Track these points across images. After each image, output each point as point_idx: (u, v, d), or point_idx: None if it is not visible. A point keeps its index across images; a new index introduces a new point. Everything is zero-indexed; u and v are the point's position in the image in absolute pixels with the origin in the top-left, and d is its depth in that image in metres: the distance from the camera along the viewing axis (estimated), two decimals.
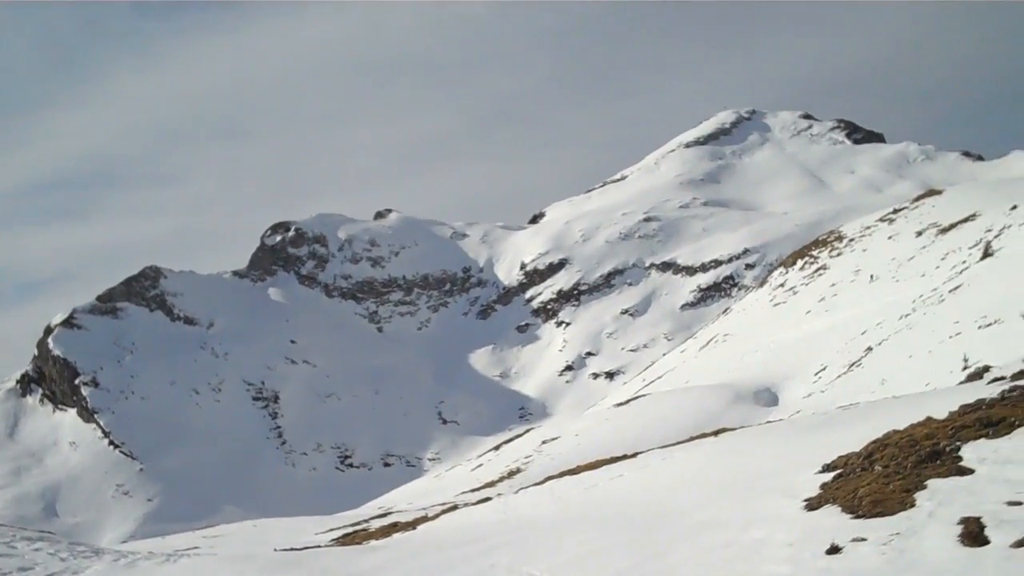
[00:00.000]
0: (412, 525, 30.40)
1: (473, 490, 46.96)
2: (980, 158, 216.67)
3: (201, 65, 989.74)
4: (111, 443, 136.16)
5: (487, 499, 33.93)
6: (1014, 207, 69.44)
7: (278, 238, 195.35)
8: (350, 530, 36.39)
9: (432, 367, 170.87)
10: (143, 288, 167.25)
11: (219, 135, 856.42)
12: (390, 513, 43.02)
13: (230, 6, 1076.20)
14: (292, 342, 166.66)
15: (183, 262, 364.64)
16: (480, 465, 61.77)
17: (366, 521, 39.54)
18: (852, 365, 53.11)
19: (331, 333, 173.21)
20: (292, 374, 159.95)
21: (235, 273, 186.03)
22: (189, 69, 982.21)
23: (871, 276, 76.55)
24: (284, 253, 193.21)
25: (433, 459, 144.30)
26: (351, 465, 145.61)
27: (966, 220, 76.43)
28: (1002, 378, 21.46)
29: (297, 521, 48.89)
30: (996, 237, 63.78)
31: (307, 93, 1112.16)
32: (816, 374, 56.79)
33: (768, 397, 56.54)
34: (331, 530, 38.06)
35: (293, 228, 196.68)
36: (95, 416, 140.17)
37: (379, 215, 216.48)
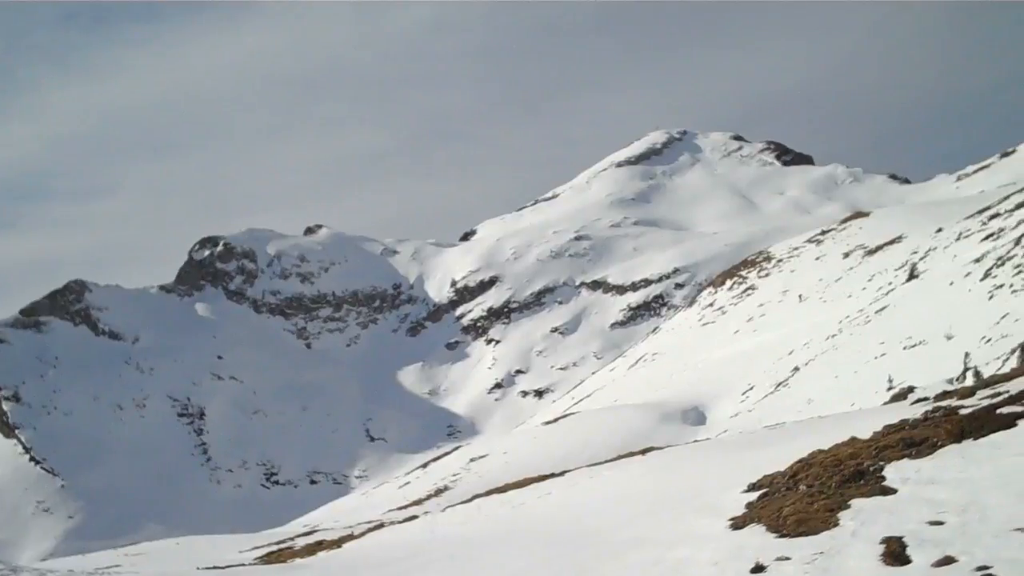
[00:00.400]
0: (338, 543, 30.12)
1: (400, 508, 46.71)
2: (907, 181, 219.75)
3: (129, 78, 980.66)
4: (32, 459, 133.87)
5: (414, 517, 33.74)
6: (939, 230, 70.35)
7: (206, 253, 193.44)
8: (275, 548, 36.00)
9: (361, 384, 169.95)
10: (68, 302, 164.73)
11: (148, 148, 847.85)
12: (316, 531, 42.63)
13: (159, 20, 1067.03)
14: (219, 358, 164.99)
15: (109, 276, 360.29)
16: (408, 483, 61.47)
17: (291, 539, 39.13)
18: (779, 385, 53.48)
19: (259, 349, 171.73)
20: (218, 390, 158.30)
21: (162, 288, 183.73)
22: (117, 82, 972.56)
23: (799, 296, 77.25)
24: (212, 268, 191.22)
25: (360, 476, 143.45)
26: (277, 482, 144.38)
27: (892, 242, 77.36)
28: (925, 399, 21.67)
29: (221, 539, 48.34)
30: (921, 259, 64.57)
31: (238, 107, 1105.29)
32: (743, 393, 57.13)
33: (696, 416, 56.80)
34: (255, 548, 37.62)
35: (222, 243, 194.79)
36: (16, 432, 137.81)
37: (309, 231, 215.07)
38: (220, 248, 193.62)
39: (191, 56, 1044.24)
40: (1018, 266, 45.57)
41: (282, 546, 36.44)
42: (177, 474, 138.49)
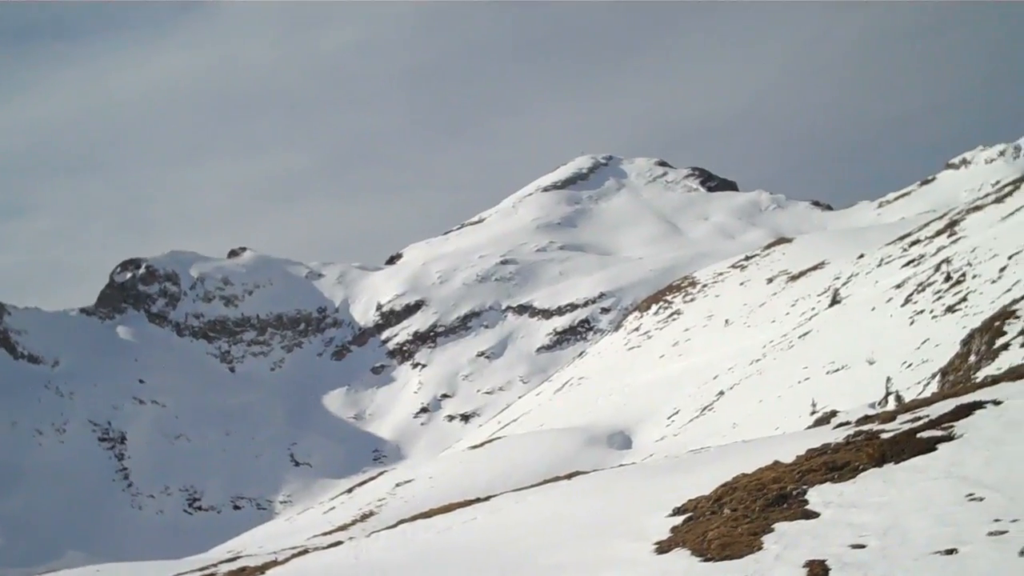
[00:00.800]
0: (261, 570, 29.77)
1: (325, 533, 46.28)
2: (829, 208, 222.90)
3: (48, 96, 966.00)
4: None
5: (339, 543, 33.45)
6: (861, 256, 71.34)
7: (128, 275, 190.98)
8: (197, 575, 35.54)
9: (285, 408, 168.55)
10: None
11: (67, 168, 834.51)
12: (239, 557, 42.11)
13: (79, 37, 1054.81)
14: (141, 381, 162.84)
15: (28, 298, 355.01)
16: (332, 508, 60.93)
17: (214, 565, 38.63)
18: (704, 409, 53.79)
19: (181, 373, 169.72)
20: (140, 414, 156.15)
21: (83, 310, 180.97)
22: (35, 100, 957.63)
23: (725, 321, 77.82)
24: (134, 291, 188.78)
25: (285, 502, 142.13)
26: (200, 508, 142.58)
27: (815, 268, 78.31)
28: (848, 423, 21.85)
29: (142, 566, 47.63)
30: (844, 285, 65.39)
31: (160, 127, 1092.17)
32: (669, 417, 57.38)
33: (621, 440, 56.93)
34: (178, 575, 37.12)
35: (144, 265, 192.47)
36: None
37: (233, 253, 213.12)
38: (142, 270, 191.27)
39: (111, 74, 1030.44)
40: (938, 292, 46.25)
41: (204, 572, 35.98)
42: (98, 500, 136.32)
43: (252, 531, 71.11)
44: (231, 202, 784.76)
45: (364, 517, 50.22)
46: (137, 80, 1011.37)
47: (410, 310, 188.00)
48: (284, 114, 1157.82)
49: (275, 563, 30.97)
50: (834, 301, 61.49)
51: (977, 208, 64.80)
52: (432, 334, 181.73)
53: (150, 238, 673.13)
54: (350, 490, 69.39)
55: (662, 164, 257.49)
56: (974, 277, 44.74)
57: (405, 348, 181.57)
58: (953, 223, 63.33)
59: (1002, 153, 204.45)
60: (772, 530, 13.19)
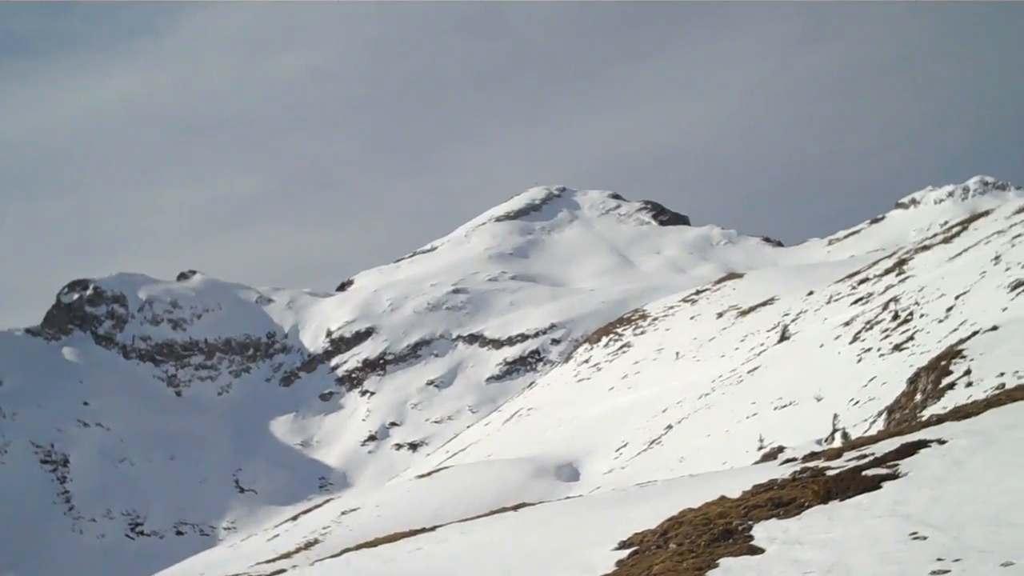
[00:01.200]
0: None
1: (269, 561, 45.95)
2: (779, 244, 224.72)
3: None
4: None
5: (282, 571, 33.28)
6: (810, 293, 71.85)
7: (75, 296, 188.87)
8: None
9: (231, 434, 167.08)
10: None
11: (14, 187, 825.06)
12: None
13: (28, 55, 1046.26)
14: (85, 404, 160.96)
15: None
16: (277, 535, 60.47)
17: None
18: (652, 442, 53.86)
19: (127, 396, 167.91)
20: (84, 437, 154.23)
21: (28, 331, 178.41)
22: None
23: (676, 354, 78.06)
24: (81, 312, 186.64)
25: (229, 528, 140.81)
26: (142, 533, 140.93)
27: (765, 304, 78.76)
28: (794, 459, 21.96)
29: None
30: (793, 321, 65.80)
31: (110, 148, 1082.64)
32: (617, 450, 57.41)
33: (569, 472, 56.93)
34: None
35: (91, 286, 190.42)
36: None
37: (182, 276, 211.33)
38: (90, 291, 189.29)
39: (62, 94, 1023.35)
40: (886, 330, 46.61)
41: None
42: (38, 523, 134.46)
43: (195, 557, 70.43)
44: (181, 224, 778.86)
45: (308, 545, 49.90)
46: (86, 101, 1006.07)
47: (360, 337, 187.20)
48: (237, 138, 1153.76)
49: None
50: (783, 337, 61.82)
51: (925, 248, 65.44)
52: (381, 362, 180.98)
53: (98, 259, 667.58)
54: (295, 517, 68.98)
55: (615, 197, 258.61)
56: (921, 316, 45.12)
57: (354, 375, 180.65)
58: (902, 262, 63.91)
59: (951, 194, 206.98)
60: (717, 565, 13.20)
